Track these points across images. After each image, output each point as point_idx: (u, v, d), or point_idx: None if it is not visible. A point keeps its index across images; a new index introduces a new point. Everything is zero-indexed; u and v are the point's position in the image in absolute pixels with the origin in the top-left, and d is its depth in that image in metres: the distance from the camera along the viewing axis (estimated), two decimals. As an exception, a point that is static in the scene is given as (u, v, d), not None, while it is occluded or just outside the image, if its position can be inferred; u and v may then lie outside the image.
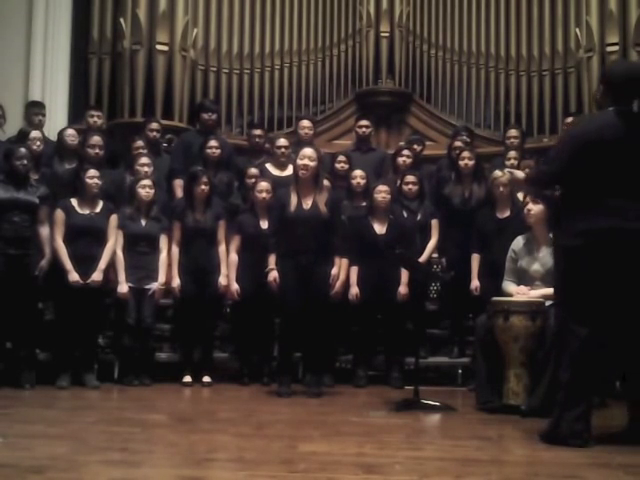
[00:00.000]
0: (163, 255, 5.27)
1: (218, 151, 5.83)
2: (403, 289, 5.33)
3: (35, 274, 4.94)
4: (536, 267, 4.46)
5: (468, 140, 6.28)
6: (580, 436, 3.12)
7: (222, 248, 5.36)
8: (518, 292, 4.36)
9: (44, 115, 6.22)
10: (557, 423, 3.18)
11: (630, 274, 3.17)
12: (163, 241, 5.28)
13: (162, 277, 5.22)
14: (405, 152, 6.05)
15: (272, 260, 4.90)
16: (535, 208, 4.48)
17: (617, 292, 3.17)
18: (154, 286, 5.18)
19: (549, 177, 3.49)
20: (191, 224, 5.31)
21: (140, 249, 5.21)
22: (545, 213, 4.45)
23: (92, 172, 5.16)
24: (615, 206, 3.17)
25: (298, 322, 4.82)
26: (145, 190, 5.26)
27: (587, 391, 3.21)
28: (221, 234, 5.37)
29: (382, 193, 5.40)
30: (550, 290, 4.24)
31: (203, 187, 5.32)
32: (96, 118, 6.35)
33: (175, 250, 5.29)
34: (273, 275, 4.87)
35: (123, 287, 5.09)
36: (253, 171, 5.77)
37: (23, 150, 5.01)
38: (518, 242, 4.59)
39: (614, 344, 3.26)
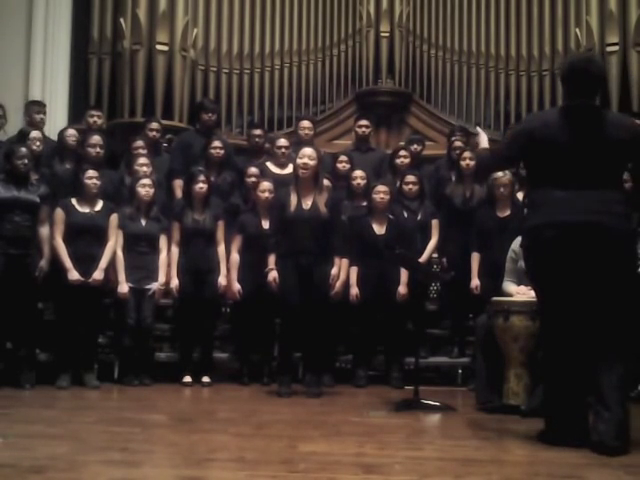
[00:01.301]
0: (163, 255, 5.27)
1: (222, 151, 5.83)
2: (403, 289, 5.34)
3: (35, 275, 4.94)
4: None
5: (465, 140, 6.29)
6: (577, 436, 3.09)
7: (221, 248, 5.36)
8: (518, 292, 4.36)
9: (44, 114, 6.22)
10: (551, 423, 3.18)
11: (580, 269, 3.11)
12: (163, 241, 5.28)
13: (162, 277, 5.22)
14: (402, 153, 6.05)
15: (272, 260, 4.91)
16: None
17: (571, 287, 3.14)
18: (154, 286, 5.18)
19: (490, 157, 3.57)
20: (190, 224, 5.31)
21: (140, 249, 5.21)
22: None
23: (91, 172, 5.16)
24: (554, 200, 3.14)
25: (298, 322, 4.82)
26: (145, 189, 5.26)
27: (575, 390, 3.16)
28: (220, 234, 5.37)
29: (381, 194, 5.40)
30: None
31: (201, 186, 5.32)
32: (96, 118, 6.35)
33: (175, 250, 5.29)
34: (273, 275, 4.87)
35: (123, 287, 5.09)
36: (253, 170, 5.77)
37: (24, 150, 5.01)
38: (518, 242, 4.59)
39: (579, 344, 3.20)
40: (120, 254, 5.16)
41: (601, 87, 3.42)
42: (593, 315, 3.15)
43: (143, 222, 5.28)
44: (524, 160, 3.40)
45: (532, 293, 4.35)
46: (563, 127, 3.18)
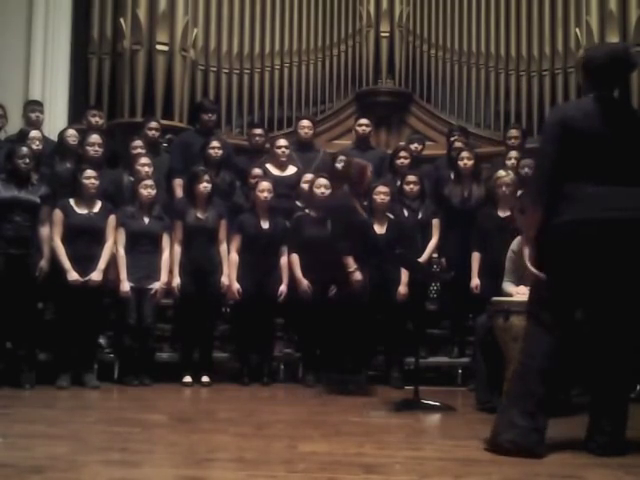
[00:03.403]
0: (165, 254, 5.26)
1: (220, 151, 5.83)
2: (403, 289, 5.34)
3: (36, 275, 4.94)
4: None
5: (464, 139, 6.29)
6: (536, 446, 2.98)
7: (223, 247, 5.36)
8: (518, 292, 4.36)
9: (42, 112, 6.22)
10: (508, 432, 3.02)
11: (615, 268, 3.02)
12: (165, 240, 5.28)
13: (164, 277, 5.21)
14: (402, 153, 6.05)
15: (351, 262, 4.93)
16: None
17: (598, 287, 3.04)
18: (156, 286, 5.17)
19: (545, 180, 3.11)
20: (192, 222, 5.30)
21: (142, 248, 5.20)
22: None
23: (89, 172, 5.16)
24: (589, 196, 3.02)
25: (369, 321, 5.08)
26: (147, 190, 5.26)
27: (548, 402, 3.07)
28: (222, 233, 5.37)
29: (381, 194, 5.40)
30: None
31: (205, 184, 5.32)
32: (97, 118, 6.35)
33: (177, 249, 5.29)
34: (358, 276, 4.92)
35: (125, 286, 5.09)
36: (257, 171, 5.78)
37: (25, 149, 5.02)
38: (518, 242, 4.59)
39: (586, 348, 3.11)
40: (122, 253, 5.15)
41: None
42: (616, 316, 3.09)
43: (146, 220, 5.27)
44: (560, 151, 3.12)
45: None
46: (602, 118, 3.07)
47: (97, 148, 5.56)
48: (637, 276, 3.06)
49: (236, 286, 5.30)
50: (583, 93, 3.31)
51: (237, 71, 8.00)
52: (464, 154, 5.70)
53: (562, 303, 3.08)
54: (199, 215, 5.33)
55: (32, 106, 6.22)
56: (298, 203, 5.74)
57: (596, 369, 3.13)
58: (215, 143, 5.84)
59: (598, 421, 3.08)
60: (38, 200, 4.96)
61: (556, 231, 3.05)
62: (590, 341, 3.15)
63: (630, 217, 3.01)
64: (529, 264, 3.17)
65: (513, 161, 5.94)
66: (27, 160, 4.95)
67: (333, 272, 5.26)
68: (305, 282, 5.31)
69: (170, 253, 5.27)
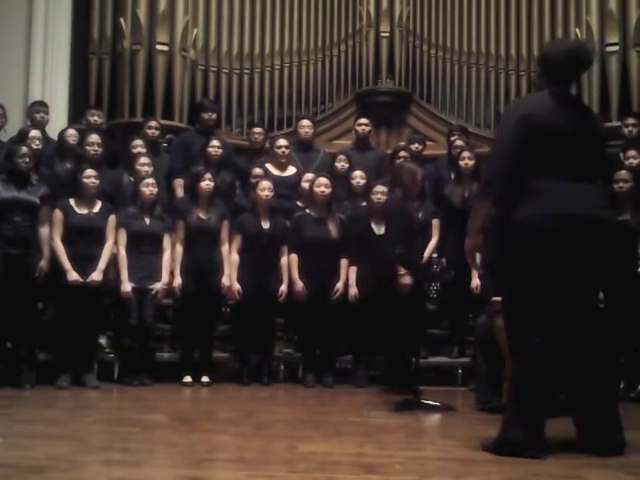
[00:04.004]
0: (167, 255, 5.26)
1: (220, 151, 5.83)
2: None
3: (35, 275, 4.94)
4: None
5: (465, 140, 6.29)
6: (533, 446, 2.93)
7: (225, 248, 5.36)
8: None
9: (47, 113, 6.24)
10: (508, 433, 2.97)
11: (580, 265, 2.96)
12: (167, 241, 5.28)
13: (165, 277, 5.21)
14: (402, 153, 6.05)
15: (401, 266, 5.02)
16: None
17: (569, 287, 2.96)
18: (157, 286, 5.17)
19: (502, 173, 3.01)
20: (195, 223, 5.31)
21: (143, 248, 5.21)
22: None
23: (89, 172, 5.16)
24: (552, 190, 2.96)
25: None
26: (149, 189, 5.26)
27: (542, 402, 3.00)
28: (225, 234, 5.37)
29: (379, 194, 5.41)
30: None
31: (208, 184, 5.32)
32: (96, 117, 6.37)
33: (179, 249, 5.29)
34: (407, 280, 5.01)
35: (126, 286, 5.09)
36: (257, 171, 5.78)
37: (25, 149, 5.03)
38: None
39: (566, 351, 3.01)
40: (123, 253, 5.15)
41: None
42: (586, 314, 3.05)
43: (147, 221, 5.27)
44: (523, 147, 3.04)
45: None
46: (561, 114, 3.04)
47: (97, 148, 5.56)
48: (594, 274, 3.05)
49: (236, 286, 5.30)
50: (539, 88, 3.25)
51: (237, 71, 8.00)
52: (465, 154, 5.70)
53: (532, 300, 2.98)
54: (201, 215, 5.33)
55: (37, 107, 6.23)
56: (298, 203, 5.75)
57: (575, 369, 3.08)
58: (215, 142, 5.85)
59: (590, 421, 3.05)
60: (38, 201, 4.96)
61: (520, 225, 2.96)
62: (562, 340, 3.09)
63: (591, 214, 2.98)
64: (467, 256, 3.14)
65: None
66: (27, 159, 4.95)
67: (333, 273, 5.29)
68: (300, 284, 5.31)
69: (171, 253, 5.27)
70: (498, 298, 4.28)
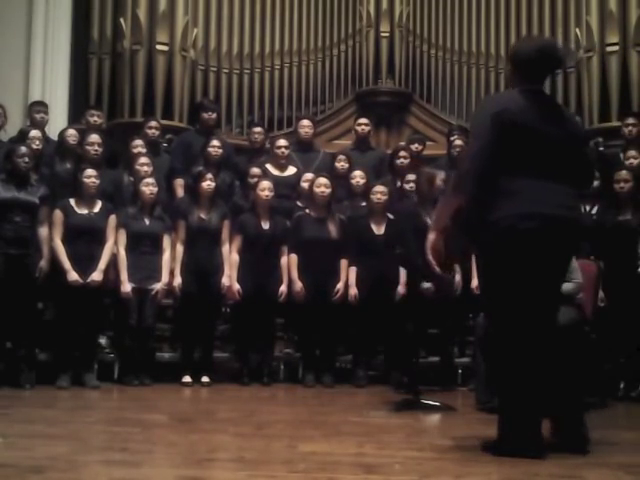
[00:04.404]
0: (167, 255, 5.26)
1: (220, 151, 5.83)
2: (402, 289, 5.34)
3: (35, 276, 4.94)
4: None
5: (465, 139, 6.28)
6: (533, 446, 2.90)
7: (226, 248, 5.36)
8: None
9: (46, 113, 6.24)
10: (508, 433, 2.95)
11: (551, 265, 2.97)
12: (167, 241, 5.27)
13: (165, 277, 5.21)
14: (402, 153, 6.05)
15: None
16: None
17: (545, 286, 2.96)
18: (157, 287, 5.17)
19: (475, 171, 2.96)
20: (195, 223, 5.30)
21: (143, 248, 5.20)
22: None
23: (89, 172, 5.16)
24: (530, 190, 2.93)
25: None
26: (149, 189, 5.25)
27: (537, 401, 2.97)
28: (225, 234, 5.37)
29: (378, 194, 5.41)
30: None
31: (209, 184, 5.32)
32: (96, 117, 6.37)
33: (179, 249, 5.29)
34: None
35: (126, 287, 5.08)
36: (256, 170, 5.78)
37: (24, 148, 5.03)
38: None
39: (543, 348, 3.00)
40: (123, 253, 5.15)
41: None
42: (554, 312, 3.06)
43: (147, 221, 5.27)
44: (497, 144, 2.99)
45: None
46: (534, 112, 3.01)
47: (97, 148, 5.56)
48: (562, 274, 3.09)
49: (236, 286, 5.30)
50: (510, 86, 3.25)
51: (237, 71, 8.00)
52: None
53: (512, 299, 2.96)
54: (202, 216, 5.33)
55: (37, 107, 6.24)
56: (298, 203, 5.75)
57: (546, 369, 3.04)
58: (215, 142, 5.84)
59: (561, 420, 3.08)
60: (37, 201, 4.96)
61: (499, 225, 2.93)
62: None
63: (567, 215, 2.98)
64: (429, 254, 3.07)
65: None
66: (26, 159, 4.95)
67: (332, 273, 5.30)
68: (299, 284, 5.31)
69: (171, 253, 5.27)
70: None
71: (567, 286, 4.27)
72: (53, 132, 6.20)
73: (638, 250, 4.97)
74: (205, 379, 5.19)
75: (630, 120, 6.20)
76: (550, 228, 2.92)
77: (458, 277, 5.28)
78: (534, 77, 3.10)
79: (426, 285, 5.10)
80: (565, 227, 2.97)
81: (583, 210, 5.37)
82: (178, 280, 5.22)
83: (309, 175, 5.71)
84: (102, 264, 5.05)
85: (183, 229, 5.31)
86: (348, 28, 8.11)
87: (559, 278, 3.07)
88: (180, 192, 5.96)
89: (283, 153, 5.98)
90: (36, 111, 6.18)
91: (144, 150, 5.79)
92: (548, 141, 2.99)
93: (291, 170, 6.02)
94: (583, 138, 3.30)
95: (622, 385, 4.96)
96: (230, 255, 5.36)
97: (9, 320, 4.85)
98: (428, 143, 7.01)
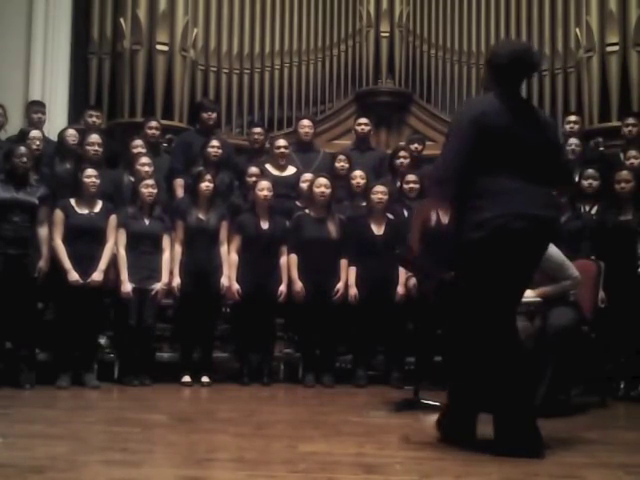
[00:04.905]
0: (166, 255, 5.26)
1: (220, 151, 5.83)
2: (401, 289, 5.34)
3: (35, 276, 4.94)
4: None
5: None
6: (531, 445, 2.96)
7: (224, 248, 5.36)
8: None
9: (44, 113, 6.23)
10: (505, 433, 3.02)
11: (531, 263, 3.09)
12: (166, 241, 5.27)
13: (165, 277, 5.21)
14: (402, 153, 6.05)
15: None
16: None
17: (511, 282, 3.04)
18: (157, 287, 5.17)
19: (454, 174, 3.05)
20: (194, 223, 5.31)
21: (143, 248, 5.20)
22: None
23: (89, 171, 5.16)
24: (512, 191, 3.00)
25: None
26: (148, 190, 5.25)
27: (531, 400, 3.08)
28: (224, 234, 5.37)
29: (379, 194, 5.41)
30: (548, 288, 4.25)
31: (207, 184, 5.32)
32: (95, 118, 6.37)
33: (178, 249, 5.29)
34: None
35: (126, 286, 5.08)
36: (254, 170, 5.77)
37: (23, 148, 5.03)
38: None
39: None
40: (123, 253, 5.15)
41: None
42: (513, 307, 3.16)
43: (146, 221, 5.27)
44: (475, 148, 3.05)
45: (528, 293, 4.35)
46: (511, 115, 3.07)
47: (97, 148, 5.56)
48: (533, 271, 3.19)
49: (236, 287, 5.30)
50: (486, 89, 3.31)
51: (237, 71, 8.00)
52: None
53: (495, 294, 3.04)
54: (201, 216, 5.33)
55: (35, 107, 6.23)
56: (298, 203, 5.75)
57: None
58: (215, 142, 5.84)
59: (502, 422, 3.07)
60: (36, 201, 4.96)
61: (488, 225, 2.98)
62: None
63: (552, 215, 3.09)
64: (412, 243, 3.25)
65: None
66: (25, 159, 4.95)
67: (332, 273, 5.30)
68: (299, 284, 5.31)
69: (171, 253, 5.27)
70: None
71: (565, 283, 4.30)
72: (53, 132, 6.20)
73: (638, 250, 4.97)
74: (205, 379, 5.18)
75: (630, 120, 6.20)
76: (537, 228, 3.03)
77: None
78: (510, 81, 3.16)
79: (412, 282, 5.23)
80: (549, 227, 3.11)
81: (583, 210, 5.42)
82: (177, 280, 5.22)
83: (308, 175, 5.71)
84: (102, 264, 5.05)
85: (182, 229, 5.31)
86: (348, 28, 8.11)
87: (532, 273, 3.22)
88: (180, 192, 5.96)
89: (283, 153, 5.98)
90: (34, 111, 6.17)
91: (144, 150, 5.79)
92: (525, 144, 3.07)
93: (291, 170, 6.02)
94: (558, 139, 3.39)
95: (622, 385, 4.96)
96: (229, 255, 5.36)
97: (9, 320, 4.85)
98: (428, 143, 7.01)
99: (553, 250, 4.27)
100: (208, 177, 5.35)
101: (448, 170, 3.05)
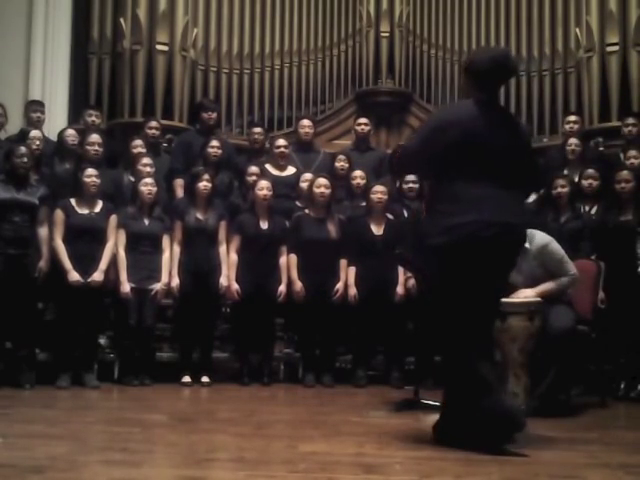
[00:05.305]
0: (166, 255, 5.25)
1: (219, 151, 5.83)
2: (401, 289, 5.34)
3: (35, 276, 4.94)
4: (514, 277, 3.98)
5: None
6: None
7: (223, 248, 5.36)
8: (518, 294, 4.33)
9: (43, 113, 6.23)
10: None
11: (498, 269, 3.12)
12: (166, 241, 5.27)
13: (165, 277, 5.21)
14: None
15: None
16: None
17: (481, 289, 3.08)
18: (156, 287, 5.17)
19: (406, 154, 3.28)
20: (192, 223, 5.30)
21: (142, 248, 5.20)
22: None
23: (90, 171, 5.16)
24: (481, 198, 3.04)
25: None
26: (148, 189, 5.25)
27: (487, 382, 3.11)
28: (222, 234, 5.37)
29: (378, 194, 5.41)
30: (548, 286, 4.25)
31: (205, 184, 5.32)
32: (94, 117, 6.36)
33: (176, 249, 5.29)
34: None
35: (125, 287, 5.08)
36: (254, 169, 5.77)
37: (23, 148, 5.02)
38: None
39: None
40: (122, 253, 5.15)
41: None
42: (488, 314, 3.21)
43: (146, 221, 5.27)
44: (438, 153, 3.12)
45: (527, 292, 4.35)
46: (484, 121, 3.11)
47: (97, 148, 5.56)
48: (506, 276, 3.26)
49: (235, 287, 5.30)
50: (464, 96, 3.35)
51: (237, 71, 8.00)
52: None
53: (461, 300, 3.09)
54: (199, 216, 5.33)
55: (34, 106, 6.23)
56: (298, 203, 5.75)
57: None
58: (214, 143, 5.84)
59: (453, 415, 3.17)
60: (36, 201, 4.96)
61: (457, 231, 3.03)
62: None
63: (520, 222, 3.13)
64: None
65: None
66: (25, 159, 4.95)
67: (332, 273, 5.30)
68: (299, 284, 5.31)
69: (170, 254, 5.27)
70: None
71: (563, 280, 4.30)
72: (53, 132, 6.19)
73: (638, 250, 4.97)
74: (205, 379, 5.18)
75: (630, 120, 6.20)
76: (507, 235, 3.07)
77: None
78: (487, 87, 3.20)
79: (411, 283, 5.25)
80: (518, 233, 3.16)
81: (583, 210, 5.42)
82: (176, 281, 5.22)
83: (308, 175, 5.71)
84: (103, 264, 5.05)
85: (180, 229, 5.31)
86: (348, 28, 8.11)
87: (503, 280, 3.26)
88: (180, 192, 5.96)
89: (282, 153, 5.97)
90: (33, 110, 6.17)
91: (144, 150, 5.79)
92: (498, 150, 3.10)
93: (290, 170, 6.02)
94: (530, 146, 3.44)
95: (622, 385, 4.96)
96: (229, 255, 5.35)
97: (9, 320, 4.85)
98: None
99: (555, 246, 4.29)
100: (206, 177, 5.35)
101: (405, 167, 3.39)
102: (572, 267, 4.33)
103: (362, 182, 5.68)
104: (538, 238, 4.29)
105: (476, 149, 3.07)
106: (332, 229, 5.44)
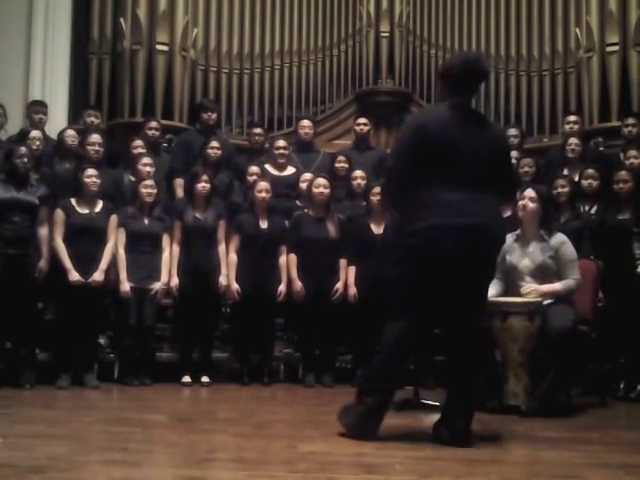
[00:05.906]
0: (166, 255, 5.26)
1: (219, 152, 5.83)
2: None
3: (35, 276, 4.94)
4: (526, 262, 4.40)
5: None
6: (368, 429, 3.20)
7: (222, 248, 5.36)
8: (526, 290, 4.33)
9: (45, 114, 6.22)
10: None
11: (467, 270, 3.13)
12: (166, 241, 5.28)
13: (164, 277, 5.21)
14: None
15: None
16: (531, 205, 4.46)
17: (449, 290, 3.14)
18: (156, 286, 5.17)
19: (392, 173, 3.28)
20: (191, 223, 5.31)
21: (142, 248, 5.20)
22: (539, 210, 4.45)
23: (90, 171, 5.16)
24: (447, 202, 3.09)
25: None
26: (147, 190, 5.26)
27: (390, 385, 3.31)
28: (221, 233, 5.37)
29: (377, 195, 5.41)
30: (558, 286, 4.26)
31: (204, 185, 5.32)
32: (93, 118, 6.36)
33: (176, 249, 5.29)
34: None
35: (125, 286, 5.08)
36: (254, 169, 5.78)
37: (23, 149, 5.03)
38: (507, 239, 4.57)
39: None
40: (122, 253, 5.15)
41: None
42: (461, 316, 3.22)
43: (146, 221, 5.27)
44: (413, 156, 3.19)
45: (542, 288, 4.34)
46: (457, 125, 3.16)
47: (97, 148, 5.56)
48: (483, 277, 3.25)
49: (235, 286, 5.30)
50: (440, 100, 3.44)
51: (237, 71, 8.01)
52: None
53: (417, 297, 3.17)
54: (198, 215, 5.33)
55: (36, 107, 6.22)
56: (298, 203, 5.75)
57: (451, 369, 3.36)
58: (214, 143, 5.85)
59: (452, 417, 3.22)
60: (36, 201, 4.96)
61: (419, 236, 3.12)
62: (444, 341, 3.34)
63: (486, 223, 3.13)
64: None
65: (513, 161, 5.94)
66: (25, 160, 4.95)
67: (332, 273, 5.30)
68: (299, 284, 5.31)
69: (170, 253, 5.27)
70: (496, 299, 4.29)
71: (570, 284, 4.30)
72: (53, 132, 6.20)
73: (636, 250, 4.97)
74: (205, 379, 5.19)
75: (630, 120, 6.20)
76: (467, 237, 3.09)
77: None
78: (462, 91, 3.25)
79: None
80: (482, 234, 3.14)
81: (582, 210, 5.42)
82: (175, 280, 5.22)
83: (308, 175, 5.71)
84: (103, 264, 5.05)
85: (179, 229, 5.31)
86: (348, 28, 8.12)
87: (476, 280, 3.22)
88: (180, 192, 5.96)
89: (282, 154, 5.97)
90: (35, 111, 6.16)
91: (144, 150, 5.79)
92: (470, 153, 3.13)
93: (290, 170, 6.02)
94: (506, 149, 3.48)
95: (622, 385, 4.96)
96: (228, 255, 5.36)
97: (9, 320, 4.85)
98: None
99: (570, 247, 4.38)
100: (205, 177, 5.35)
101: (390, 181, 3.31)
102: (578, 272, 4.34)
103: (362, 182, 5.69)
104: (559, 234, 4.39)
105: (445, 153, 3.13)
106: (332, 229, 5.44)
